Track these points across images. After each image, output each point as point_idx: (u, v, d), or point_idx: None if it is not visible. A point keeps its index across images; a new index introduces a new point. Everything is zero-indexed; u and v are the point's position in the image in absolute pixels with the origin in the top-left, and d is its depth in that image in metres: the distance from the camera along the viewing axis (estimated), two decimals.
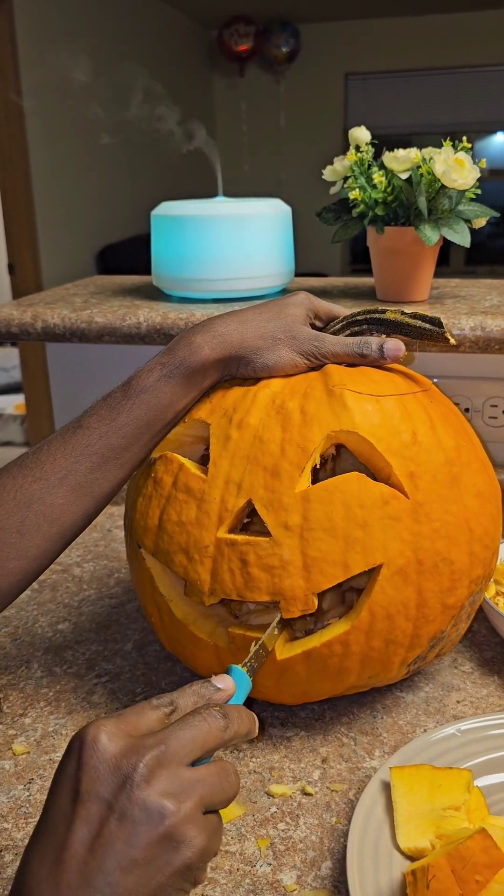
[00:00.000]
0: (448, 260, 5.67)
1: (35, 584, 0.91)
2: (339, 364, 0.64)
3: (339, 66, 5.11)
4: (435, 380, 0.96)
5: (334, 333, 0.68)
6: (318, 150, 5.68)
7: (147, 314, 0.97)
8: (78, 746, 0.39)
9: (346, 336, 0.67)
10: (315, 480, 0.60)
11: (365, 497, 0.58)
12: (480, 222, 0.94)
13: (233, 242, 1.01)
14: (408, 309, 0.65)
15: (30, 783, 0.62)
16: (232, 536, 0.59)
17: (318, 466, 0.61)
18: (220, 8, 4.63)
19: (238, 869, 0.53)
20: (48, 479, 0.62)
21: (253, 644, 0.56)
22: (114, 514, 1.09)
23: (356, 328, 0.67)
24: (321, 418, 0.60)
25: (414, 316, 0.65)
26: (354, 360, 0.65)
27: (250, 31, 4.81)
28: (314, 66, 5.09)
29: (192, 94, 5.09)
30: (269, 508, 0.58)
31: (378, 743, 0.65)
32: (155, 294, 1.10)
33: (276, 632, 0.58)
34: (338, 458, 0.65)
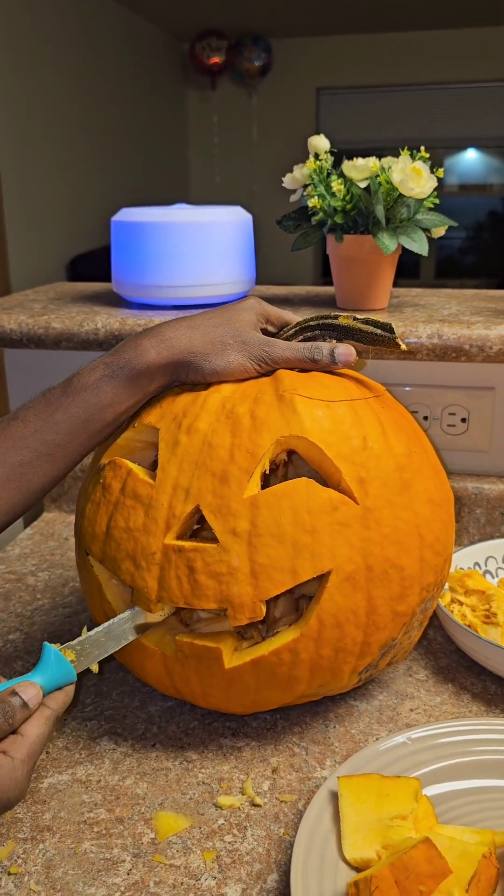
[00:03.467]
0: (419, 273, 5.73)
1: None
2: (291, 369, 0.64)
3: (311, 80, 5.16)
4: (406, 388, 0.96)
5: (287, 339, 0.67)
6: (288, 163, 5.73)
7: (105, 320, 0.96)
8: None
9: (299, 341, 0.66)
10: (266, 487, 0.59)
11: (313, 503, 0.57)
12: (439, 231, 0.95)
13: (193, 249, 1.01)
14: (361, 315, 0.65)
15: None
16: (179, 543, 0.58)
17: (268, 472, 0.60)
18: (193, 21, 4.65)
19: (182, 883, 0.52)
20: None
21: (84, 629, 0.59)
22: (71, 523, 1.08)
23: (309, 333, 0.67)
24: (271, 423, 0.59)
25: (366, 322, 0.64)
26: (305, 366, 0.64)
27: (223, 45, 4.84)
28: (286, 81, 5.14)
29: (165, 106, 5.11)
30: (217, 514, 0.57)
31: (330, 752, 0.64)
32: (115, 301, 1.09)
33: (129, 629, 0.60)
34: (290, 464, 0.65)
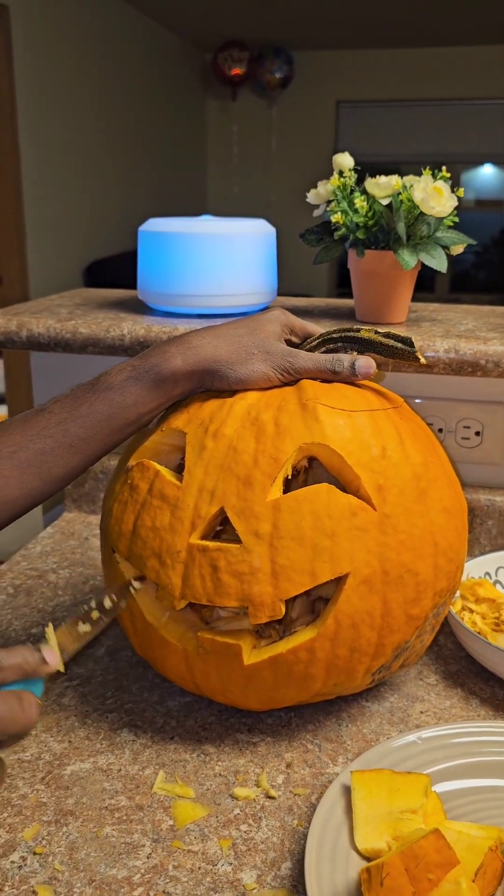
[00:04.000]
0: (433, 287, 5.76)
1: (10, 589, 0.92)
2: (312, 379, 0.67)
3: (331, 93, 5.21)
4: (418, 400, 0.99)
5: (311, 350, 0.70)
6: (307, 175, 5.78)
7: (131, 327, 0.99)
8: None
9: (322, 353, 0.69)
10: (287, 491, 0.62)
11: (333, 508, 0.60)
12: (458, 249, 0.97)
13: (217, 260, 1.03)
14: (382, 329, 0.68)
15: None
16: (203, 543, 0.61)
17: (290, 477, 0.63)
18: (215, 32, 4.71)
19: (199, 868, 0.55)
20: None
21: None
22: (91, 524, 1.11)
23: (332, 345, 0.70)
24: (294, 431, 0.62)
25: (387, 335, 0.67)
26: (327, 377, 0.67)
27: (244, 57, 4.90)
28: (306, 93, 5.19)
29: (185, 116, 5.16)
30: (240, 516, 0.60)
31: (342, 750, 0.67)
32: (139, 308, 1.12)
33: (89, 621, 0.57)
34: (310, 470, 0.67)
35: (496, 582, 0.86)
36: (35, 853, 0.56)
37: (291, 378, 0.67)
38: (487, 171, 5.60)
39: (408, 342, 0.66)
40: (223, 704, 0.71)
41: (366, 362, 0.67)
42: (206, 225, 1.04)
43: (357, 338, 0.68)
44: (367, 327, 0.68)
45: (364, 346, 0.68)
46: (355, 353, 0.69)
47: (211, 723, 0.70)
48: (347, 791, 0.57)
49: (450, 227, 0.97)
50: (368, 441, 0.63)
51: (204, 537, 0.62)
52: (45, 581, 0.95)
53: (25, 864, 0.55)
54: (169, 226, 1.04)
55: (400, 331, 0.84)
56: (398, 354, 0.66)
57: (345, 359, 0.66)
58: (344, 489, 0.62)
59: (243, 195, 5.46)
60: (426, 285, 5.71)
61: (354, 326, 0.69)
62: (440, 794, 0.58)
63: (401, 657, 0.66)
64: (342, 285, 5.67)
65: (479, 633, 0.76)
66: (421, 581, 0.63)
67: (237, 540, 0.60)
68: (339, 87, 5.18)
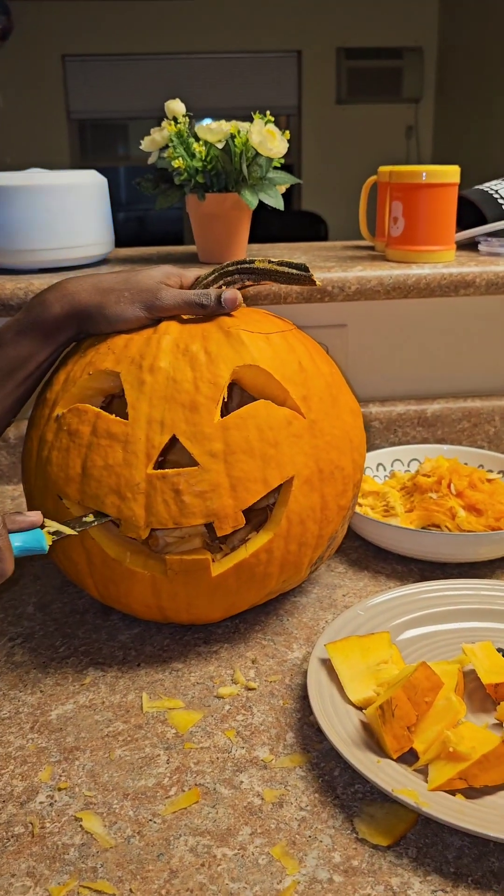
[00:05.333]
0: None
1: None
2: (177, 316, 0.71)
3: (56, 47, 5.02)
4: None
5: (205, 285, 0.75)
6: (38, 133, 5.56)
7: None
8: None
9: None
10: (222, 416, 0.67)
11: (273, 420, 0.67)
12: (284, 188, 1.06)
13: (53, 212, 1.03)
14: (273, 258, 0.74)
15: None
16: (163, 471, 0.64)
17: (225, 401, 0.68)
18: None
19: (217, 758, 0.60)
20: None
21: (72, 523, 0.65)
22: None
23: (228, 278, 0.75)
24: (224, 356, 0.67)
25: (281, 263, 0.74)
26: (195, 312, 0.70)
27: None
28: (29, 46, 4.95)
29: None
30: (193, 440, 0.64)
31: (293, 639, 0.75)
32: None
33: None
34: (231, 397, 0.73)
35: (374, 476, 0.98)
36: (59, 789, 0.57)
37: (160, 315, 0.70)
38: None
39: (303, 268, 0.73)
40: (173, 626, 0.76)
41: (231, 294, 0.71)
42: (39, 177, 1.02)
43: (253, 268, 0.74)
44: (260, 258, 0.74)
45: (260, 276, 0.74)
46: (223, 286, 0.74)
47: (168, 644, 0.74)
48: (323, 662, 0.65)
49: (276, 168, 1.05)
50: (287, 358, 0.70)
51: (153, 468, 0.65)
52: None
53: (55, 801, 0.56)
54: (3, 180, 1.01)
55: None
56: (294, 280, 0.73)
57: (211, 292, 0.71)
58: None
59: None
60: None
61: (248, 258, 0.75)
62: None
63: (331, 546, 0.75)
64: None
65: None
66: (346, 475, 0.72)
67: (190, 463, 0.65)
68: (63, 41, 5.01)
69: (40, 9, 4.91)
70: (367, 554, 0.89)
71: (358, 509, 0.90)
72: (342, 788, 0.56)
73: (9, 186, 1.01)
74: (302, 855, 0.51)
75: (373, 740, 0.57)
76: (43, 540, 0.61)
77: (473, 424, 1.14)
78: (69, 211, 1.04)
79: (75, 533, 0.64)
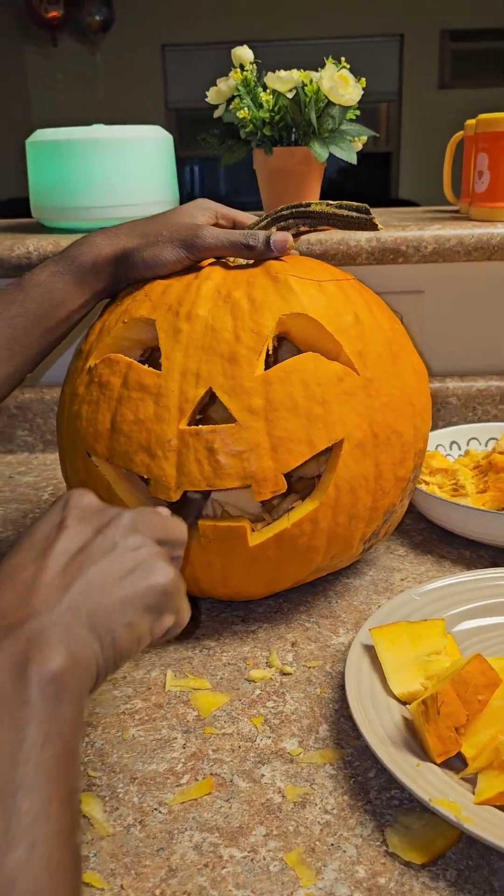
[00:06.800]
0: None
1: None
2: (223, 258, 0.65)
3: (156, 37, 5.06)
4: None
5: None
6: (139, 122, 5.61)
7: (37, 243, 0.93)
8: (65, 498, 0.42)
9: None
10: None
11: (321, 375, 0.59)
12: (361, 142, 0.98)
13: (117, 167, 0.98)
14: (332, 201, 0.67)
15: None
16: (196, 427, 0.58)
17: (270, 353, 0.61)
18: None
19: (239, 746, 0.54)
20: None
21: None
22: (10, 463, 1.04)
23: (282, 224, 0.68)
24: (270, 304, 0.60)
25: (340, 206, 0.66)
26: (240, 253, 0.64)
27: None
28: (130, 36, 5.00)
29: (1, 65, 4.84)
30: (231, 394, 0.58)
31: (339, 623, 0.67)
32: (35, 229, 1.05)
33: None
34: (279, 351, 0.66)
35: (447, 455, 0.89)
36: None
37: (201, 256, 0.65)
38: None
39: (363, 210, 0.66)
40: (210, 601, 0.70)
41: (282, 237, 0.64)
42: (103, 131, 0.98)
43: (309, 212, 0.67)
44: (316, 201, 0.67)
45: (318, 220, 0.67)
46: (273, 229, 0.67)
47: (202, 620, 0.68)
48: (367, 649, 0.58)
49: (351, 120, 0.97)
50: (342, 308, 0.62)
51: (190, 423, 0.59)
52: None
53: None
54: (62, 134, 0.97)
55: None
56: (354, 224, 0.66)
57: (259, 234, 0.64)
58: None
59: None
60: None
61: (304, 202, 0.68)
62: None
63: (388, 522, 0.67)
64: None
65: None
66: (405, 441, 0.64)
67: (227, 420, 0.59)
68: (163, 30, 5.03)
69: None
70: (432, 537, 0.81)
71: (423, 487, 0.81)
72: (376, 793, 0.49)
73: (71, 140, 0.97)
74: (320, 865, 0.44)
75: (415, 741, 0.50)
76: None
77: None
78: (132, 166, 1.00)
79: None
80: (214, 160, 5.39)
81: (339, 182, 5.33)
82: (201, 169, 5.65)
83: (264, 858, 0.44)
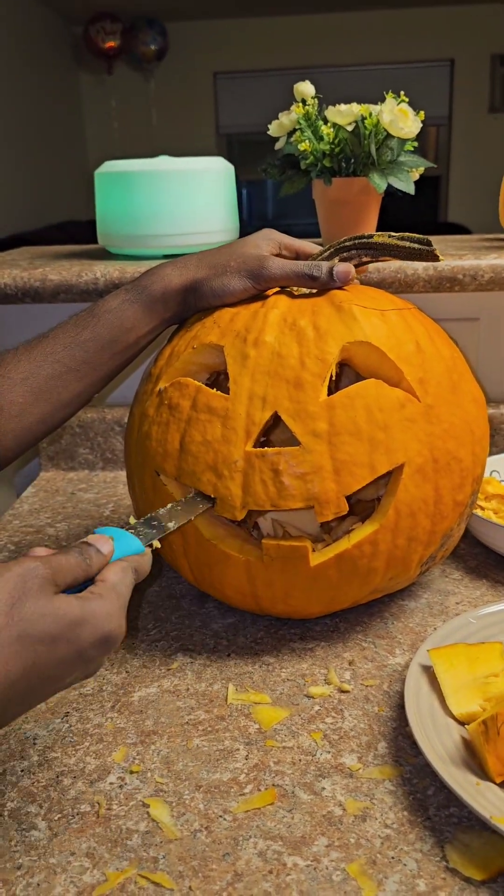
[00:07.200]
0: None
1: (10, 546, 0.89)
2: (287, 287, 0.68)
3: (208, 64, 5.17)
4: None
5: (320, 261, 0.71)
6: (190, 148, 5.74)
7: (104, 269, 0.97)
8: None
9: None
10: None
11: (384, 401, 0.61)
12: (418, 172, 1.00)
13: (181, 198, 1.02)
14: (394, 233, 0.69)
15: (66, 716, 0.61)
16: (262, 449, 0.61)
17: (333, 378, 0.63)
18: (85, 4, 4.57)
19: (300, 760, 0.55)
20: (11, 378, 0.66)
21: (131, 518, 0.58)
22: (72, 480, 1.08)
23: (345, 254, 0.70)
24: (334, 332, 0.63)
25: (402, 238, 0.69)
26: (304, 283, 0.67)
27: (117, 29, 4.78)
28: (183, 65, 5.13)
29: (58, 92, 4.99)
30: (295, 418, 0.60)
31: (396, 643, 0.69)
32: (101, 256, 1.09)
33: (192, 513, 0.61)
34: (341, 377, 0.68)
35: (503, 481, 0.90)
36: (132, 772, 0.55)
37: (267, 286, 0.67)
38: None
39: (425, 242, 0.68)
40: (268, 618, 0.72)
41: (345, 268, 0.67)
42: (167, 163, 1.02)
43: (371, 243, 0.69)
44: (378, 233, 0.69)
45: (379, 251, 0.69)
46: (335, 260, 0.69)
47: (261, 637, 0.70)
48: (426, 669, 0.59)
49: (409, 151, 1.00)
50: (404, 337, 0.64)
51: (255, 445, 0.62)
52: (44, 535, 0.92)
53: (125, 784, 0.54)
54: (129, 166, 1.02)
55: None
56: (416, 255, 0.68)
57: (323, 265, 0.67)
58: None
59: None
60: None
61: (367, 234, 0.70)
62: None
63: (445, 545, 0.69)
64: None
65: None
66: (464, 467, 0.65)
67: (292, 443, 0.61)
68: (215, 58, 5.15)
69: (194, 28, 5.08)
70: (488, 562, 0.82)
71: (480, 513, 0.82)
72: (435, 810, 0.50)
73: (137, 172, 1.01)
74: (382, 877, 0.45)
75: (474, 760, 0.51)
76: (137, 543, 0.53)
77: None
78: (195, 197, 1.03)
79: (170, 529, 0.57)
80: (264, 183, 5.47)
81: (386, 205, 5.37)
82: (249, 192, 5.74)
83: (327, 868, 0.46)
